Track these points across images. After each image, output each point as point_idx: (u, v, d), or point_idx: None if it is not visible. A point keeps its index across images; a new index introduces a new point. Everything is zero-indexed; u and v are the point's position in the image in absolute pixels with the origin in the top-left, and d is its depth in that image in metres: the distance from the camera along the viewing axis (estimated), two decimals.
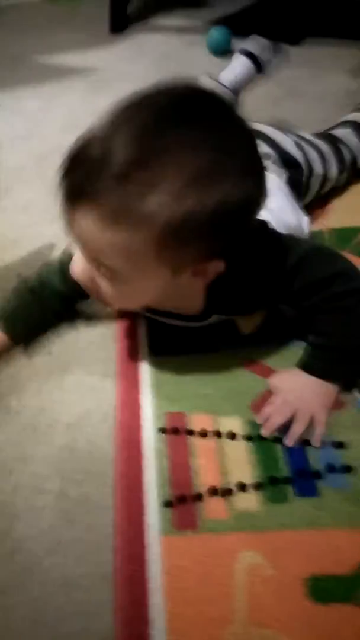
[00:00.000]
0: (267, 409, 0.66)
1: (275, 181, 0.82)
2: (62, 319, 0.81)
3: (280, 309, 0.77)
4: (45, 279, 0.78)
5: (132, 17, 2.07)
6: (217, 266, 0.58)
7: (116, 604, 0.53)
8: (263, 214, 0.66)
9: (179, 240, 0.51)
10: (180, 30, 1.96)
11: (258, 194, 0.55)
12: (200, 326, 0.74)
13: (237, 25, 1.75)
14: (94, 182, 0.50)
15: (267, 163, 0.82)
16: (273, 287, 0.66)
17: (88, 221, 0.52)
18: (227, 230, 0.53)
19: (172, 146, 0.49)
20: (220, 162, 0.50)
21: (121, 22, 2.02)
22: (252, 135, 0.57)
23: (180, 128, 0.50)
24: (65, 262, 0.72)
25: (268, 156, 0.86)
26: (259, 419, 0.66)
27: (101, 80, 1.68)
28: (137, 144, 0.49)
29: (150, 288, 0.59)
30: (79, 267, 0.61)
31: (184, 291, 0.63)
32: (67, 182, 0.53)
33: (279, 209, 0.76)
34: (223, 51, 1.67)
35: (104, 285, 0.59)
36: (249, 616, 0.51)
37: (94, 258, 0.56)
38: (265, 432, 0.64)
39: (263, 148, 0.86)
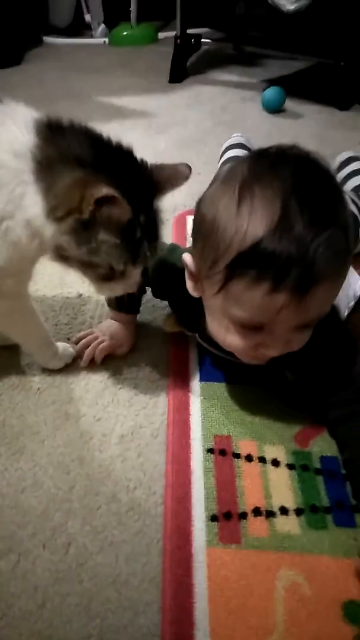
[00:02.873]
0: None
1: None
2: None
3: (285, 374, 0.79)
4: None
5: (191, 69, 2.23)
6: None
7: (163, 604, 0.57)
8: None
9: None
10: (236, 85, 2.10)
11: None
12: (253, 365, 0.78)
13: (291, 86, 1.88)
14: (320, 266, 0.56)
15: None
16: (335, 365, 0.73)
17: (321, 296, 0.59)
18: None
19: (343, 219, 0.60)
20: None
21: (180, 74, 2.17)
22: None
23: (339, 206, 0.60)
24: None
25: None
26: None
27: (159, 124, 1.80)
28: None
29: None
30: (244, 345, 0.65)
31: None
32: (289, 281, 0.56)
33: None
34: (277, 109, 1.79)
35: (299, 340, 0.64)
36: (287, 630, 0.54)
37: (312, 319, 0.62)
38: None
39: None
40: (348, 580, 0.58)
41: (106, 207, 0.59)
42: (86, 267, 0.65)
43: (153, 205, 0.66)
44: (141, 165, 0.66)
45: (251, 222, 0.57)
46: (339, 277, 0.61)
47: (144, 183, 0.65)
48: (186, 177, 0.68)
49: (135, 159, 0.66)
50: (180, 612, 0.56)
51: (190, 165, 0.69)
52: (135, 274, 0.68)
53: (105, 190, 0.58)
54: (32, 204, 0.60)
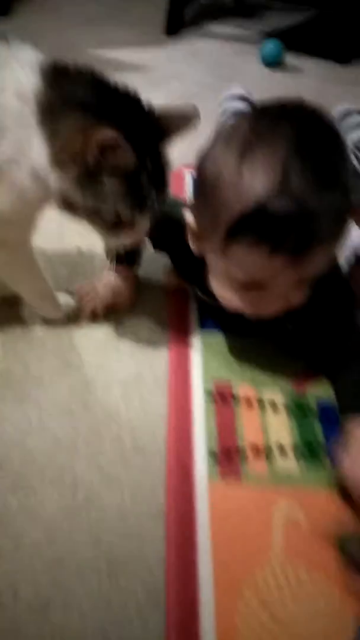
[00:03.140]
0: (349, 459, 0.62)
1: None
2: None
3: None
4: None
5: (188, 21, 2.16)
6: None
7: (168, 534, 0.60)
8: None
9: None
10: (234, 38, 2.04)
11: None
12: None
13: (290, 40, 1.83)
14: (319, 228, 0.57)
15: None
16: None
17: (320, 256, 0.60)
18: None
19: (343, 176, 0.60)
20: None
21: (176, 25, 2.11)
22: None
23: (341, 165, 0.60)
24: None
25: None
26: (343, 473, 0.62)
27: (154, 78, 1.76)
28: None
29: None
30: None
31: None
32: (288, 243, 0.57)
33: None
34: (275, 63, 1.75)
35: (298, 295, 0.65)
36: (283, 552, 0.58)
37: (310, 276, 0.63)
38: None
39: None
40: (341, 510, 0.62)
41: (110, 152, 0.59)
42: (92, 215, 0.65)
43: (160, 151, 0.66)
44: (148, 111, 0.65)
45: (252, 184, 0.57)
46: (338, 237, 0.62)
47: (151, 128, 0.64)
48: (194, 119, 0.67)
49: (142, 104, 0.65)
50: (184, 541, 0.59)
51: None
52: (142, 223, 0.67)
53: (108, 134, 0.57)
54: (36, 148, 0.60)
